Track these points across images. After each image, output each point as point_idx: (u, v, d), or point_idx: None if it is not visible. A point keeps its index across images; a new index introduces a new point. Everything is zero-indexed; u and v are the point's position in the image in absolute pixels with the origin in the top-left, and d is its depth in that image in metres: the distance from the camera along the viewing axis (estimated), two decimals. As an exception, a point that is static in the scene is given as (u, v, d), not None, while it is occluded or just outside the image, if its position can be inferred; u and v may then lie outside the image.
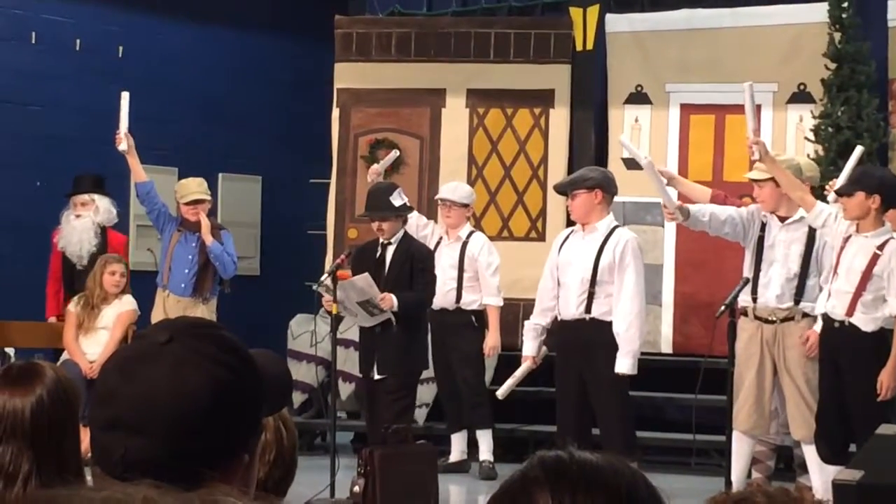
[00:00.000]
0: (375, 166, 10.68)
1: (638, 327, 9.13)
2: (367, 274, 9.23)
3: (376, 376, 9.39)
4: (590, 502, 1.62)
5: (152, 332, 1.95)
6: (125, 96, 10.51)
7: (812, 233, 8.68)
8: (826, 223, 8.37)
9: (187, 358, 1.89)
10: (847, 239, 8.28)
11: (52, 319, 11.09)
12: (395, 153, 11.06)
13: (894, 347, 8.06)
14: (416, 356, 9.52)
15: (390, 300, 9.25)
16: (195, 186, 10.91)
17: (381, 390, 9.39)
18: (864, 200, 8.16)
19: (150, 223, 11.20)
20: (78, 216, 10.99)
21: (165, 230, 10.91)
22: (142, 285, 11.24)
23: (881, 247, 8.15)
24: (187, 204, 10.81)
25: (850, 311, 8.17)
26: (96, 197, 11.03)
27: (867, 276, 8.14)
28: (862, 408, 8.06)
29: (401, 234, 9.52)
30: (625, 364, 9.00)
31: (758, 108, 8.98)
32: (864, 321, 8.15)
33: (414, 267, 9.42)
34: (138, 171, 10.76)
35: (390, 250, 9.47)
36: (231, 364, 1.92)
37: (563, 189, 9.49)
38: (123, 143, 10.52)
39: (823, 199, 8.74)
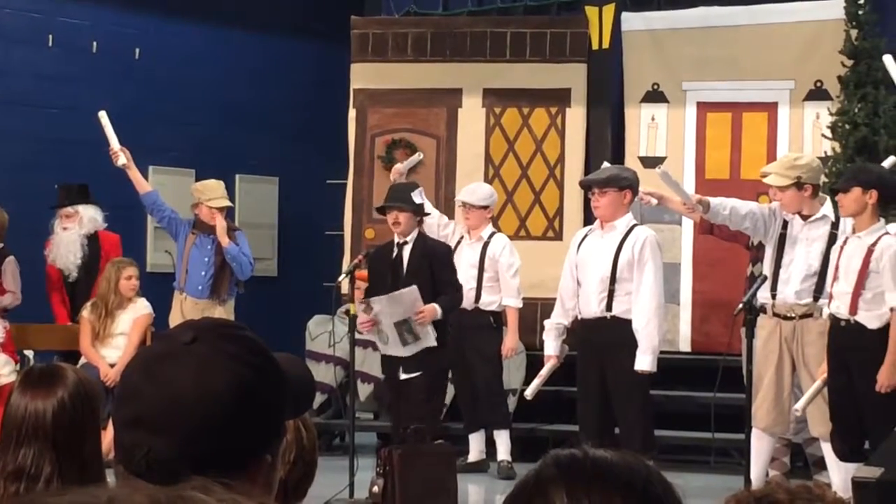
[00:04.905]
0: (398, 166, 10.66)
1: (657, 325, 9.12)
2: (415, 287, 9.21)
3: (403, 376, 9.37)
4: (606, 500, 1.63)
5: (176, 331, 1.96)
6: (103, 115, 10.54)
7: (834, 232, 8.67)
8: None
9: (211, 358, 1.89)
10: (845, 240, 8.30)
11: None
12: (419, 155, 11.05)
13: (890, 345, 8.04)
14: (443, 355, 9.52)
15: (433, 311, 9.20)
16: (221, 191, 10.94)
17: (410, 390, 9.36)
18: (860, 196, 8.16)
19: (167, 225, 11.21)
20: (65, 228, 11.00)
21: (179, 234, 10.92)
22: (158, 287, 11.26)
23: (874, 244, 8.14)
24: (213, 208, 10.81)
25: (853, 310, 8.16)
26: (80, 208, 11.02)
27: (863, 274, 8.12)
28: (873, 405, 8.05)
29: (416, 233, 9.51)
30: (645, 361, 9.00)
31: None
32: (869, 318, 8.14)
33: (434, 265, 9.40)
34: (140, 183, 10.81)
35: (406, 250, 9.44)
36: (255, 364, 1.92)
37: (595, 185, 9.32)
38: (121, 157, 10.55)
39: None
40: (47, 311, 11.08)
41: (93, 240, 11.07)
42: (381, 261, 9.47)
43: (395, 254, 9.45)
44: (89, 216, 11.04)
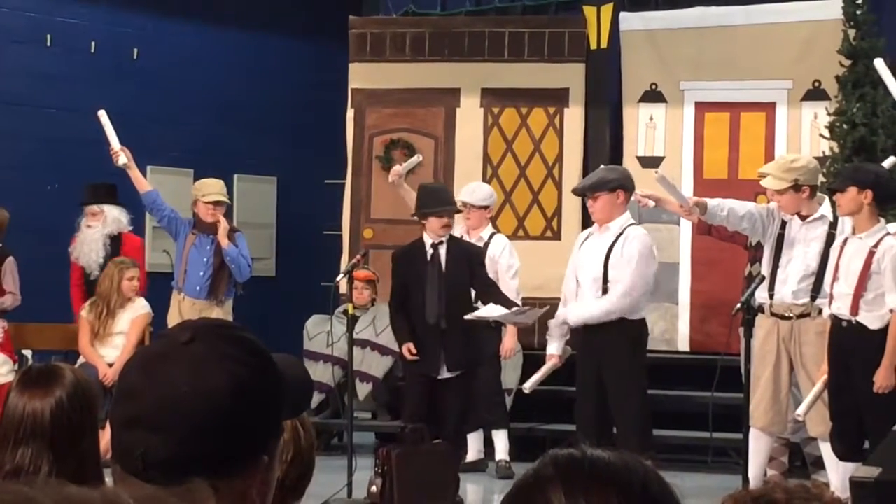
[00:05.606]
0: (398, 168, 10.63)
1: (607, 311, 9.04)
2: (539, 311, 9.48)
3: (446, 374, 9.33)
4: (603, 499, 1.63)
5: (175, 331, 1.95)
6: (103, 114, 10.56)
7: (832, 231, 8.67)
8: None
9: (209, 358, 1.89)
10: (845, 241, 8.30)
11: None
12: (418, 157, 11.03)
13: (888, 346, 8.04)
14: (484, 354, 9.70)
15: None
16: (218, 187, 10.93)
17: (452, 387, 9.32)
18: (856, 195, 8.16)
19: (165, 224, 11.22)
20: (89, 226, 11.07)
21: (179, 234, 10.92)
22: (157, 287, 11.26)
23: (876, 245, 8.15)
24: (208, 203, 10.81)
25: (854, 311, 8.16)
26: (105, 207, 11.07)
27: (864, 276, 8.12)
28: (874, 405, 8.05)
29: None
30: (573, 314, 9.17)
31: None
32: (870, 319, 8.14)
33: (472, 264, 9.39)
34: (141, 182, 10.83)
35: (442, 250, 9.39)
36: (252, 365, 1.92)
37: (583, 192, 9.40)
38: (122, 157, 10.57)
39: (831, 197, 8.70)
40: (47, 309, 11.08)
41: (115, 240, 11.11)
42: (412, 261, 9.37)
43: (430, 254, 9.38)
44: (113, 216, 11.10)
